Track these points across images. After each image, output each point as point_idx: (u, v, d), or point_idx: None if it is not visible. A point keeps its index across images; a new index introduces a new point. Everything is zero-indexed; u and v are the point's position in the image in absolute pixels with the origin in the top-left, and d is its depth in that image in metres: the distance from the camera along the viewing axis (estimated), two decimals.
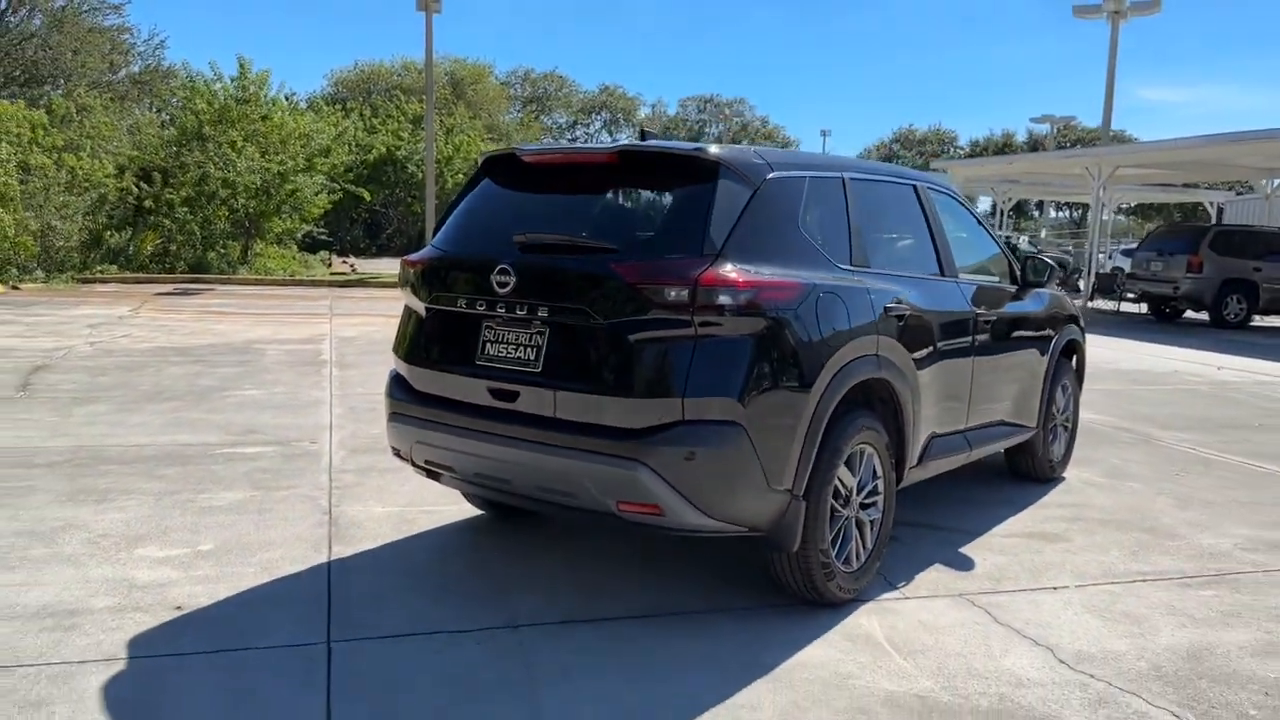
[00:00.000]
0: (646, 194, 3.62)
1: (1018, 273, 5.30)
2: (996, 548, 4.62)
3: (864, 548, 3.89)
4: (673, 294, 3.21)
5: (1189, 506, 5.48)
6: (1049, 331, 5.49)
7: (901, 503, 5.07)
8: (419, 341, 3.85)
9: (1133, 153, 20.90)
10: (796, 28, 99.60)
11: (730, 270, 3.27)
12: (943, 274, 4.60)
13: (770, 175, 3.62)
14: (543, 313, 3.41)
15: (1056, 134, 50.66)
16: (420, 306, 3.86)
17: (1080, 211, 52.29)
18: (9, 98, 37.41)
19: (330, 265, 28.26)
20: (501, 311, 3.51)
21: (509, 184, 3.92)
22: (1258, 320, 18.95)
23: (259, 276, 22.56)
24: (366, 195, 29.43)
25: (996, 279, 5.22)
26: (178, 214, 22.60)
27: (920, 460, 4.30)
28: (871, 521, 3.93)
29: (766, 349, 3.33)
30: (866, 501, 3.90)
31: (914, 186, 4.66)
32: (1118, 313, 20.71)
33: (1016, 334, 5.19)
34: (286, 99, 40.57)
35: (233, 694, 2.94)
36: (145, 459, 5.62)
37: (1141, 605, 3.96)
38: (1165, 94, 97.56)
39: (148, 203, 22.63)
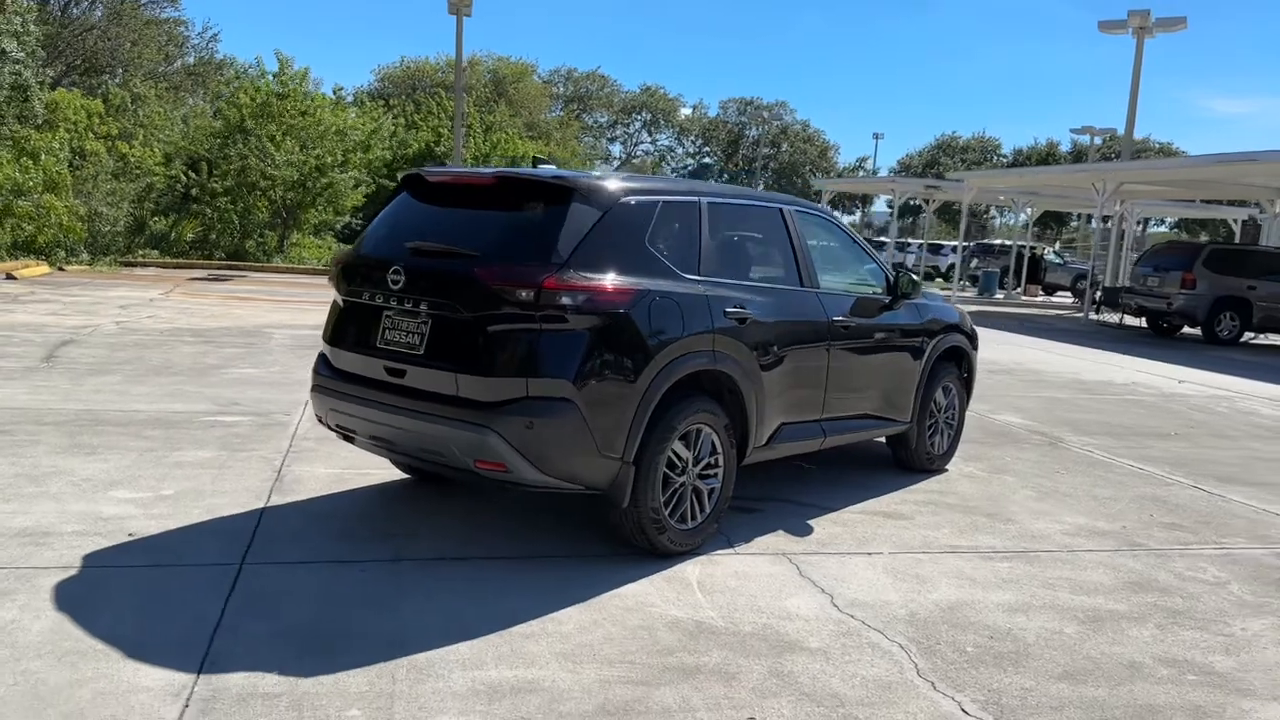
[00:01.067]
0: (516, 212, 4.40)
1: (891, 286, 6.00)
2: (841, 521, 5.35)
3: (701, 510, 4.66)
4: (522, 294, 4.01)
5: (1046, 499, 6.16)
6: (922, 338, 6.19)
7: (775, 480, 5.87)
8: (337, 327, 4.69)
9: (1137, 169, 21.25)
10: (842, 32, 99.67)
11: (571, 277, 4.06)
12: (802, 285, 5.33)
13: (622, 200, 4.40)
14: (424, 306, 4.23)
15: (1103, 145, 50.64)
16: (340, 298, 4.70)
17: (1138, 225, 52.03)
18: (70, 86, 39.18)
19: None
20: (395, 304, 4.33)
21: (418, 198, 4.75)
22: (1259, 339, 19.28)
23: (291, 265, 23.70)
24: None
25: (867, 291, 5.94)
26: (219, 203, 23.81)
27: (769, 442, 5.06)
28: (710, 490, 4.70)
29: (600, 342, 4.12)
30: (705, 473, 4.67)
31: (780, 210, 5.41)
32: (1120, 326, 21.10)
33: (884, 338, 5.91)
34: (335, 94, 41.87)
35: (153, 595, 3.79)
36: (137, 423, 6.54)
37: (936, 570, 4.68)
38: (1234, 106, 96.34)
39: (195, 191, 23.89)
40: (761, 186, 68.32)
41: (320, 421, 4.82)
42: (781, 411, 5.10)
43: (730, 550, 4.74)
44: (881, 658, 3.66)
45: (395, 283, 4.29)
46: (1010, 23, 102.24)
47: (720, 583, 4.30)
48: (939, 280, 34.09)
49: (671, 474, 4.48)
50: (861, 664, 3.59)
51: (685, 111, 65.69)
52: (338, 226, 28.32)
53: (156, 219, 24.94)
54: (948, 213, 65.00)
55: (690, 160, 68.84)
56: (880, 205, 65.35)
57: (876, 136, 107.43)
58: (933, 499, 5.95)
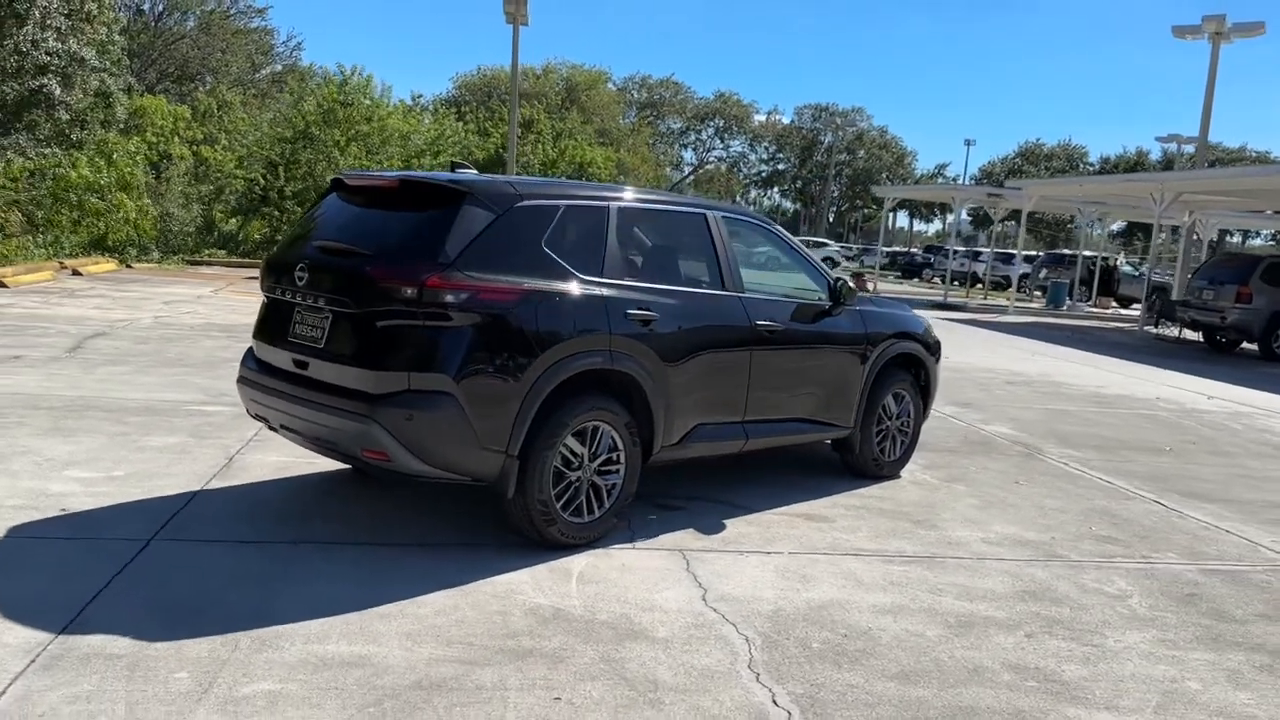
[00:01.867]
0: (415, 213, 4.62)
1: (833, 292, 6.05)
2: (758, 522, 5.44)
3: (600, 505, 4.81)
4: (407, 292, 4.23)
5: (988, 508, 6.14)
6: (864, 345, 6.22)
7: (709, 480, 5.99)
8: (261, 322, 4.99)
9: (1195, 179, 20.57)
10: (932, 35, 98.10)
11: (455, 276, 4.27)
12: (724, 289, 5.44)
13: (519, 203, 4.60)
14: (323, 301, 4.48)
15: (1194, 154, 48.84)
16: (264, 294, 4.99)
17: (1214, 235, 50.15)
18: (163, 93, 40.94)
19: None
20: (301, 300, 4.59)
21: (340, 200, 5.01)
22: None
23: None
24: None
25: (804, 297, 6.01)
26: (286, 205, 24.75)
27: (681, 442, 5.18)
28: (610, 485, 4.85)
29: (483, 339, 4.31)
30: (605, 469, 4.82)
31: (704, 215, 5.53)
32: (1179, 341, 20.47)
33: (819, 344, 5.97)
34: (414, 100, 42.92)
35: (55, 564, 4.11)
36: (124, 409, 6.96)
37: (827, 571, 4.75)
38: None
39: (272, 194, 24.88)
40: (835, 193, 67.69)
41: (248, 411, 5.11)
42: (696, 412, 5.22)
43: (629, 545, 4.88)
44: (721, 649, 3.77)
45: (300, 279, 4.55)
46: (1104, 25, 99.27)
47: (602, 574, 4.45)
48: (1009, 291, 33.33)
49: (565, 469, 4.65)
50: (698, 654, 3.71)
51: (759, 118, 65.57)
52: None
53: (228, 220, 26.03)
54: (1031, 222, 63.57)
55: (764, 167, 68.72)
56: (963, 214, 64.26)
57: (968, 143, 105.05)
58: (867, 504, 5.99)
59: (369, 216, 4.78)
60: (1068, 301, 30.32)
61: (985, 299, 31.91)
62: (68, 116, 20.80)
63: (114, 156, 22.03)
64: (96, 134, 23.94)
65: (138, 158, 22.82)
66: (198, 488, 5.30)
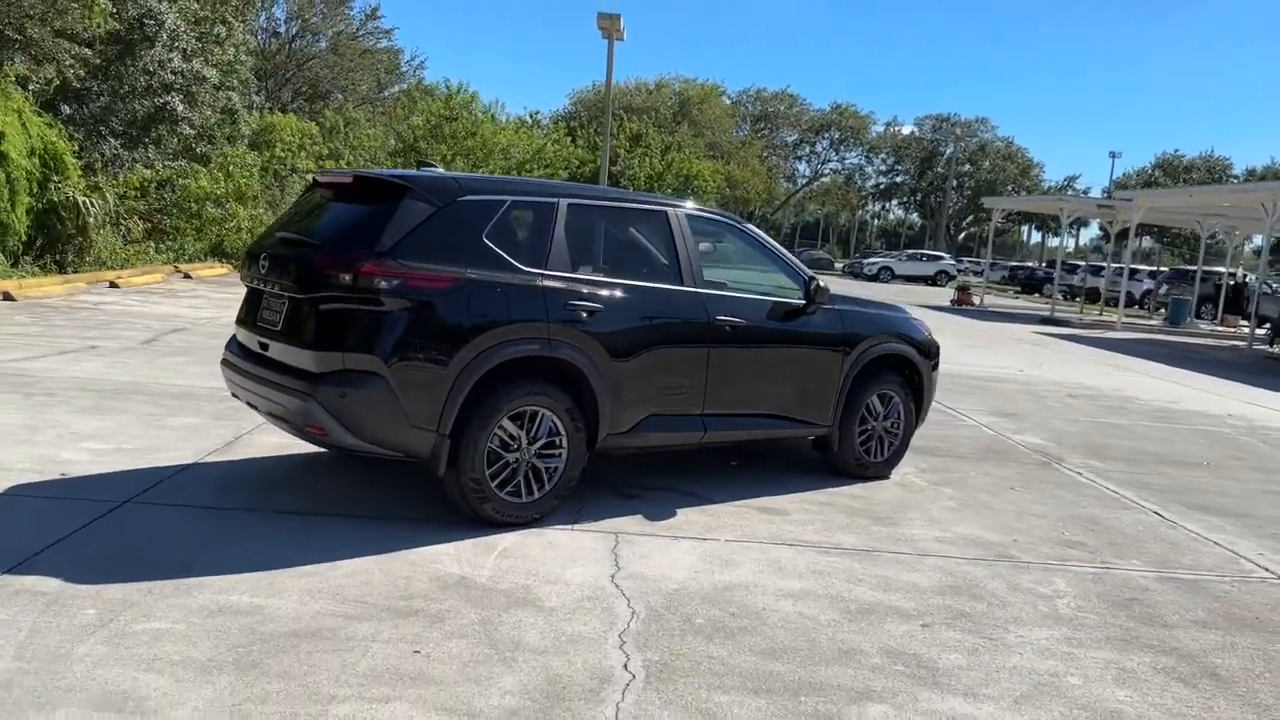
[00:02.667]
0: (364, 207, 4.96)
1: (809, 292, 6.11)
2: (712, 512, 5.55)
3: (540, 487, 5.03)
4: (344, 278, 4.57)
5: (963, 510, 6.08)
6: (843, 345, 6.25)
7: (682, 470, 6.16)
8: (241, 308, 5.41)
9: None
10: (1061, 45, 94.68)
11: (389, 264, 4.58)
12: (682, 284, 5.60)
13: (461, 198, 4.88)
14: (279, 288, 4.86)
15: None
16: (244, 283, 5.42)
17: None
18: (296, 110, 43.18)
19: None
20: (265, 287, 4.99)
21: (313, 196, 5.40)
22: None
23: None
24: None
25: (777, 296, 6.11)
26: None
27: (631, 431, 5.36)
28: (551, 468, 5.07)
29: (413, 323, 4.61)
30: (546, 452, 5.05)
31: (665, 213, 5.70)
32: None
33: (791, 341, 6.05)
34: (532, 117, 44.10)
35: (35, 516, 4.59)
36: (164, 394, 7.57)
37: (753, 558, 4.84)
38: None
39: None
40: (956, 205, 65.98)
41: (230, 392, 5.54)
42: (648, 402, 5.39)
43: (569, 526, 5.08)
44: (601, 619, 3.93)
45: (264, 268, 4.95)
46: (1254, 28, 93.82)
47: (525, 550, 4.67)
48: (1121, 307, 31.90)
49: (502, 450, 4.89)
50: (575, 622, 3.88)
51: (877, 129, 64.63)
52: None
53: None
54: (1169, 237, 60.49)
55: (881, 179, 67.58)
56: (1094, 229, 61.88)
57: (1113, 155, 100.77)
58: (835, 501, 6.02)
59: (329, 210, 5.15)
60: (1188, 319, 28.86)
61: (1101, 314, 30.65)
62: (192, 131, 22.31)
63: (230, 169, 23.51)
64: (222, 148, 25.58)
65: (254, 170, 24.24)
66: (193, 460, 5.77)
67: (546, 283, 4.99)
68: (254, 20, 44.31)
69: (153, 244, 20.42)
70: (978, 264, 58.35)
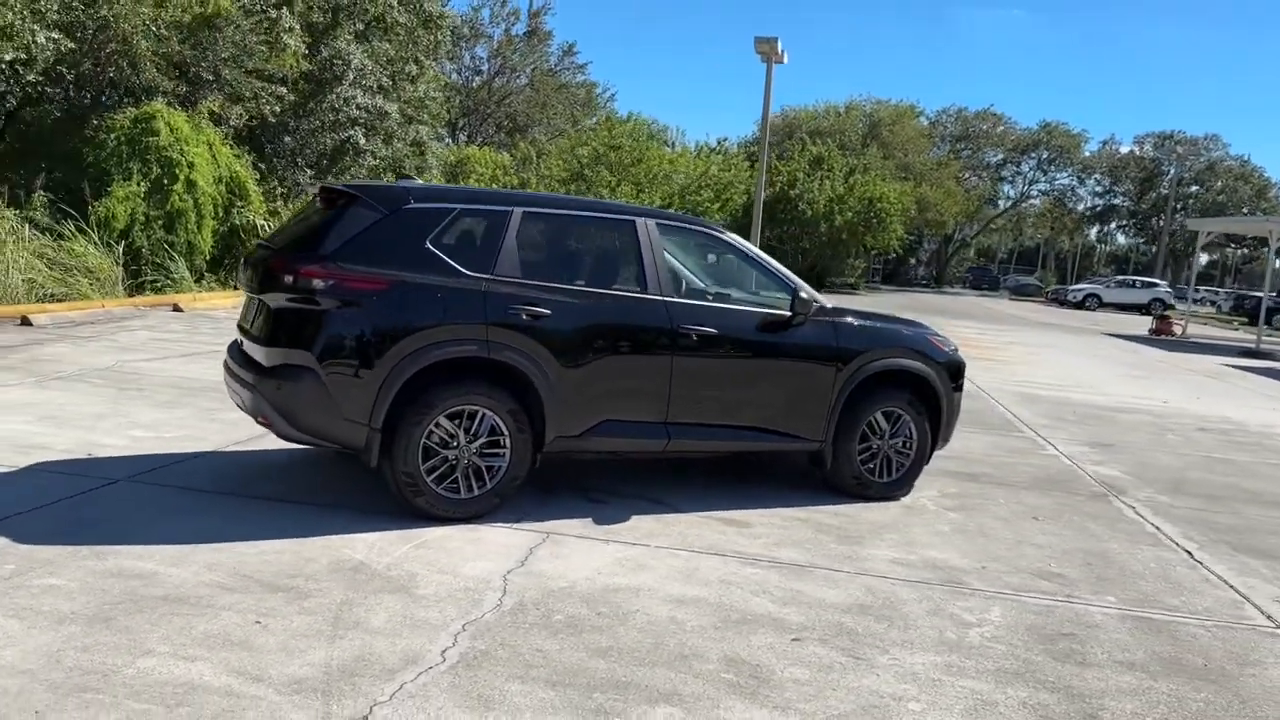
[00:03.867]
0: (324, 215, 5.31)
1: (793, 303, 5.99)
2: (668, 520, 5.53)
3: (481, 484, 5.20)
4: (287, 279, 4.94)
5: (952, 536, 5.75)
6: (836, 358, 6.06)
7: (664, 480, 6.18)
8: (240, 314, 5.92)
9: None
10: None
11: (326, 267, 4.91)
12: (645, 292, 5.63)
13: (408, 206, 5.16)
14: (250, 291, 5.30)
15: None
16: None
17: None
18: (496, 144, 45.69)
19: None
20: (248, 292, 5.45)
21: (309, 208, 5.84)
22: None
23: None
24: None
25: (761, 306, 6.04)
26: None
27: (584, 435, 5.45)
28: (493, 467, 5.23)
29: (346, 322, 4.91)
30: (489, 451, 5.22)
31: (633, 222, 5.75)
32: None
33: (772, 352, 5.93)
34: (719, 144, 44.67)
35: (35, 487, 5.19)
36: None
37: (671, 564, 4.80)
38: None
39: None
40: (1177, 226, 60.95)
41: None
42: (601, 408, 5.46)
43: (509, 524, 5.21)
44: (460, 609, 4.04)
45: (246, 273, 5.42)
46: None
47: (445, 543, 4.84)
48: None
49: (440, 447, 5.10)
50: (432, 610, 4.01)
51: (1090, 148, 60.76)
52: None
53: None
54: None
55: (1097, 200, 63.38)
56: None
57: None
58: (813, 518, 5.84)
59: (306, 221, 5.55)
60: None
61: None
62: (378, 162, 24.09)
63: None
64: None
65: None
66: (210, 449, 6.32)
67: (488, 287, 5.18)
68: (457, 58, 47.27)
69: None
70: (1215, 293, 53.60)
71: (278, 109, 22.42)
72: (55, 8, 16.51)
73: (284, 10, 20.95)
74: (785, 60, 24.58)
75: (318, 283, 4.90)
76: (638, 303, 5.61)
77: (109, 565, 4.21)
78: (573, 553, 4.86)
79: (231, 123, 21.64)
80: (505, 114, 47.75)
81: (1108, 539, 5.96)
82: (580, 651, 3.74)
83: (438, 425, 5.08)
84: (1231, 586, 5.23)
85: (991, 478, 7.38)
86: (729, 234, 6.27)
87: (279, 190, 20.95)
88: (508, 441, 5.24)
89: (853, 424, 6.22)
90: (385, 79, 27.56)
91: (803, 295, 5.93)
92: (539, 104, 47.21)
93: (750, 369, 5.92)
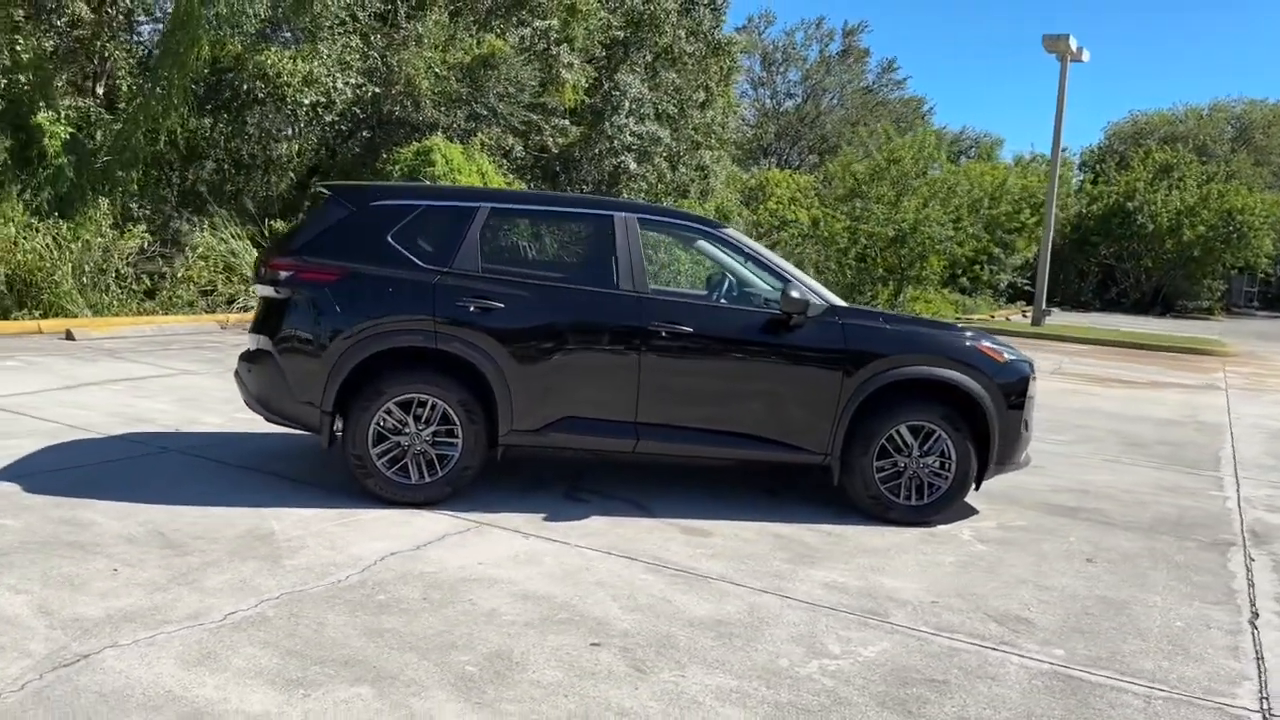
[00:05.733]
0: (312, 212, 5.71)
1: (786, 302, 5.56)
2: (626, 523, 5.31)
3: (433, 472, 5.35)
4: (263, 272, 5.42)
5: (949, 568, 5.04)
6: (844, 363, 5.53)
7: (662, 483, 6.02)
8: None
9: None
10: None
11: (290, 259, 5.32)
12: (617, 287, 5.49)
13: (372, 203, 5.45)
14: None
15: None
16: None
17: None
18: (809, 167, 45.93)
19: (1027, 315, 29.21)
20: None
21: None
22: None
23: None
24: (1011, 244, 29.78)
25: (748, 304, 5.67)
26: (829, 254, 26.48)
27: (543, 430, 5.42)
28: (445, 456, 5.36)
29: (301, 310, 5.27)
30: (441, 440, 5.35)
31: (610, 218, 5.62)
32: None
33: (763, 354, 5.53)
34: (1033, 155, 41.89)
35: (99, 447, 6.07)
36: None
37: (565, 562, 4.64)
38: None
39: (869, 252, 26.90)
40: None
41: None
42: (562, 403, 5.40)
43: (451, 512, 5.29)
44: (300, 579, 4.20)
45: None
46: None
47: (365, 524, 4.98)
48: None
49: (391, 433, 5.31)
50: (276, 579, 4.19)
51: None
52: (1001, 284, 28.99)
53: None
54: None
55: None
56: None
57: None
58: (790, 533, 5.37)
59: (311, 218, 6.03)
60: None
61: None
62: (645, 187, 25.05)
63: None
64: (694, 203, 28.15)
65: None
66: (265, 431, 6.92)
67: (440, 280, 5.32)
68: (769, 83, 47.80)
69: None
70: None
71: (561, 140, 24.00)
72: (358, 57, 18.92)
73: (562, 48, 22.43)
74: (1085, 58, 22.43)
75: (282, 273, 5.32)
76: (603, 297, 5.49)
77: (62, 514, 4.83)
78: (481, 543, 4.86)
79: (516, 154, 23.48)
80: (818, 135, 47.55)
81: (1155, 591, 4.90)
82: (356, 629, 3.76)
83: (389, 412, 5.29)
84: (1259, 658, 4.11)
85: (1094, 513, 6.31)
86: (726, 230, 5.94)
87: None
88: (460, 432, 5.33)
89: (867, 437, 5.63)
90: (671, 107, 28.53)
91: (793, 294, 5.47)
92: (851, 123, 46.53)
93: (736, 371, 5.56)
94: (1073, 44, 21.72)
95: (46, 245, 12.42)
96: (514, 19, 22.02)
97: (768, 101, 48.66)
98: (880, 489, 5.68)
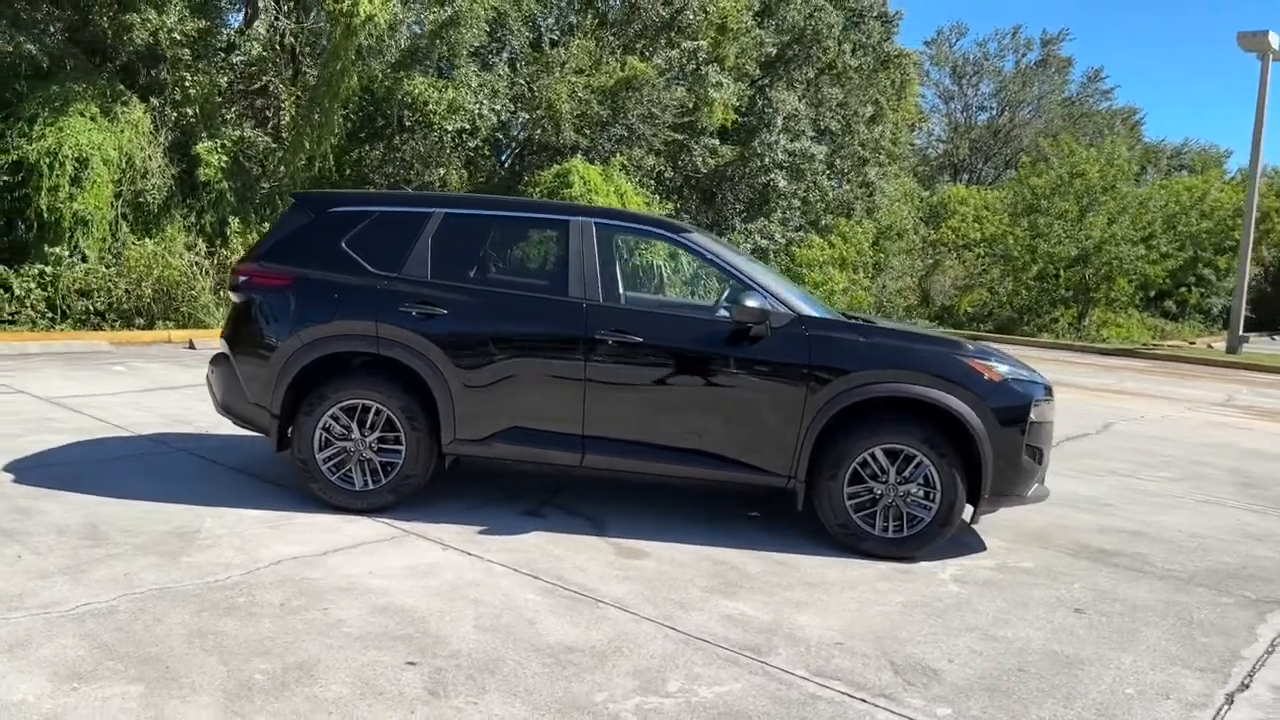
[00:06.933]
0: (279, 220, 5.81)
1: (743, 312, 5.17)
2: (562, 540, 5.07)
3: (376, 479, 5.31)
4: (230, 278, 5.57)
5: (890, 610, 4.51)
6: (808, 379, 5.08)
7: (637, 503, 5.82)
8: None
9: None
10: None
11: (249, 264, 5.45)
12: (567, 294, 5.28)
13: (331, 210, 5.50)
14: None
15: None
16: None
17: None
18: (996, 181, 43.89)
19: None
20: None
21: None
22: None
23: (1077, 343, 23.27)
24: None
25: (703, 314, 5.33)
26: (989, 277, 24.94)
27: (488, 440, 5.28)
28: (389, 464, 5.31)
29: (253, 314, 5.38)
30: (386, 448, 5.32)
31: (566, 223, 5.41)
32: None
33: (719, 366, 5.17)
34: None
35: (109, 450, 6.44)
36: None
37: (458, 577, 4.47)
38: None
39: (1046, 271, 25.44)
40: None
41: None
42: (506, 413, 5.25)
43: (388, 519, 5.23)
44: (183, 575, 4.24)
45: None
46: None
47: (290, 527, 4.96)
48: None
49: (336, 438, 5.32)
50: (165, 573, 4.25)
51: None
52: (1216, 308, 26.66)
53: (956, 295, 27.09)
54: None
55: None
56: None
57: None
58: (734, 561, 4.96)
59: None
60: None
61: None
62: (799, 204, 24.47)
63: (844, 237, 25.03)
64: (859, 219, 27.30)
65: (863, 238, 25.41)
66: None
67: (386, 285, 5.29)
68: (961, 96, 45.82)
69: None
70: None
71: (712, 160, 23.86)
72: (505, 84, 19.55)
73: (711, 67, 22.33)
74: None
75: (241, 279, 5.47)
76: (549, 304, 5.31)
77: (25, 504, 5.12)
78: (392, 553, 4.76)
79: (666, 174, 23.53)
80: (1013, 150, 45.13)
81: (1133, 651, 4.17)
82: (187, 629, 3.73)
83: (335, 417, 5.30)
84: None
85: (1132, 558, 5.51)
86: (693, 236, 5.59)
87: None
88: (404, 439, 5.28)
89: (836, 460, 5.15)
90: (834, 123, 27.90)
91: (747, 302, 5.08)
92: (1052, 136, 43.90)
93: (690, 384, 5.22)
94: (1274, 41, 19.46)
95: (191, 263, 13.47)
96: (662, 40, 22.10)
97: (959, 115, 46.67)
98: (851, 517, 5.17)
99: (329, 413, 5.29)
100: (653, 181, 21.88)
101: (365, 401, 5.28)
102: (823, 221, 26.14)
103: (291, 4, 18.14)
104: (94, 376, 9.30)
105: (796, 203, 24.29)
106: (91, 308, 12.74)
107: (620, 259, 5.92)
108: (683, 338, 5.24)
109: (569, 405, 5.22)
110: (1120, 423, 10.94)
